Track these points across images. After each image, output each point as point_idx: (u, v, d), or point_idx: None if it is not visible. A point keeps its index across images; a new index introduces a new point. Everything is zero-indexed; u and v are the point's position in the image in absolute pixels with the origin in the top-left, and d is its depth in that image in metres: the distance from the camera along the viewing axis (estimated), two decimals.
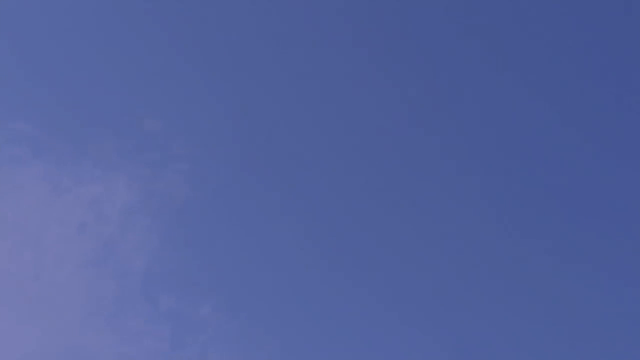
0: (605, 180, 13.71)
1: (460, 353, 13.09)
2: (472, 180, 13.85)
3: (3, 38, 14.52)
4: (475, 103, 14.14)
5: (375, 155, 14.16)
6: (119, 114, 14.27)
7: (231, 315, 13.52)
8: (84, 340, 13.56)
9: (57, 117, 14.23)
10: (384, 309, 13.47)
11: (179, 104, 14.35)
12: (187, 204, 13.92)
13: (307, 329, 13.46)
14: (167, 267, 13.70)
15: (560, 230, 13.64)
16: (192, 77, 14.44)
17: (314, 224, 13.82)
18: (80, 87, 14.35)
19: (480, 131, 14.03)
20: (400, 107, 14.32)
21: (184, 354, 13.40)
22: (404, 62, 14.46)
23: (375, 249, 13.72)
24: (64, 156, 14.07)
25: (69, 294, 13.70)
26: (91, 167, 14.05)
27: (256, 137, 14.20)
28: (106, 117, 14.23)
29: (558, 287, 13.42)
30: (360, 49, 14.54)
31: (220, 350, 13.45)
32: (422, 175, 14.02)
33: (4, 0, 14.52)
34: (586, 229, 13.57)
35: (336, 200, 13.80)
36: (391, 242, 13.75)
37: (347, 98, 14.36)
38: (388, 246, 13.75)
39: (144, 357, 13.41)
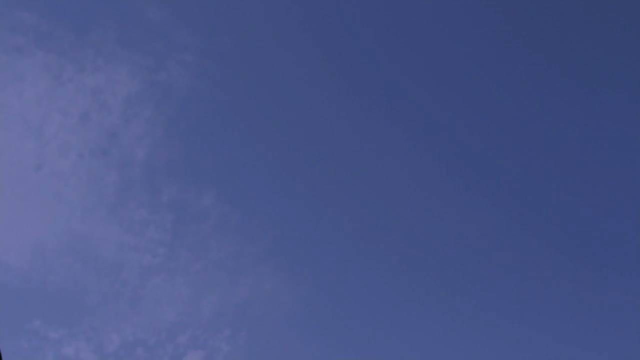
0: None
1: None
2: None
3: None
4: None
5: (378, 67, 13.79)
6: (121, 2, 13.99)
7: (232, 206, 13.39)
8: (87, 230, 13.53)
9: (59, 7, 13.98)
10: (380, 207, 13.25)
11: None
12: (191, 95, 13.70)
13: (307, 220, 13.30)
14: (170, 157, 13.55)
15: None
16: None
17: (317, 116, 13.55)
18: None
19: None
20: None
21: (185, 244, 13.33)
22: None
23: (374, 155, 13.45)
24: (66, 46, 13.85)
25: (71, 184, 13.62)
26: (93, 56, 13.84)
27: (261, 31, 13.87)
28: (109, 6, 13.96)
29: None
30: None
31: (221, 240, 13.36)
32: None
33: None
34: None
35: (336, 96, 13.49)
36: (384, 149, 13.46)
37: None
38: (382, 153, 13.47)
39: (146, 246, 13.35)
